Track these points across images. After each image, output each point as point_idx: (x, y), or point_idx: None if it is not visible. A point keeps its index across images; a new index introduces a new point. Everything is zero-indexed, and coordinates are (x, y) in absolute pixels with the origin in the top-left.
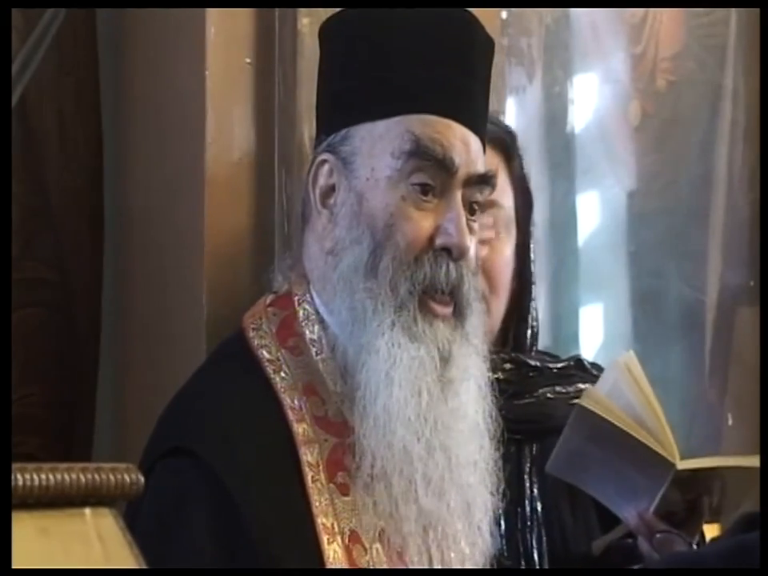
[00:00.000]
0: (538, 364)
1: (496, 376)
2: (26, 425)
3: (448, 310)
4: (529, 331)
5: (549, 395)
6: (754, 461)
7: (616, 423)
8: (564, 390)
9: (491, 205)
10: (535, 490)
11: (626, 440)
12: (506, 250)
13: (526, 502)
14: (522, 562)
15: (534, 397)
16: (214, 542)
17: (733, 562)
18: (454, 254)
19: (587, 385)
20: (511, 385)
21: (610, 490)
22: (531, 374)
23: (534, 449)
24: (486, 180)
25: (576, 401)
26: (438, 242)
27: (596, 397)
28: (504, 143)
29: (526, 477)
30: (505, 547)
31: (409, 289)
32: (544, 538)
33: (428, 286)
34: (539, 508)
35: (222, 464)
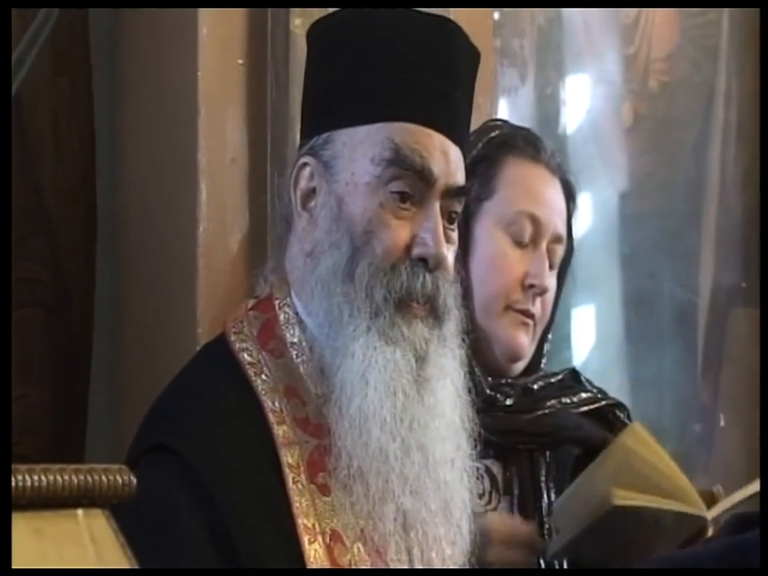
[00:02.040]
0: (542, 384)
1: (507, 402)
2: (21, 425)
3: (426, 309)
4: (543, 360)
5: (557, 406)
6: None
7: (646, 505)
8: (570, 401)
9: (561, 241)
10: (552, 496)
11: (656, 517)
12: (554, 283)
13: (543, 507)
14: (542, 565)
15: (542, 409)
16: (193, 538)
17: (727, 562)
18: (430, 264)
19: (589, 394)
20: (521, 405)
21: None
22: (536, 392)
23: (548, 456)
24: (465, 192)
25: (583, 408)
26: (415, 252)
27: (622, 493)
28: (568, 185)
29: (542, 484)
30: None
31: (384, 295)
32: None
33: (404, 295)
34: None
35: (202, 463)
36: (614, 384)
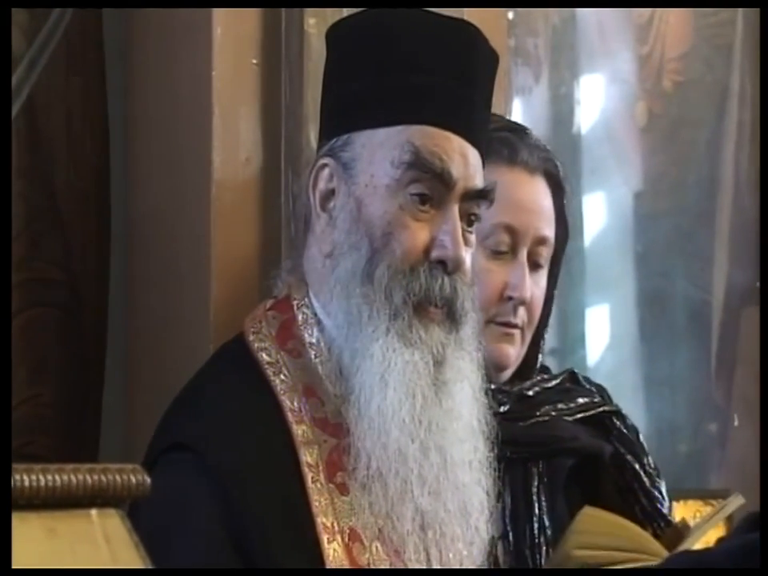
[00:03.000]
0: (538, 389)
1: (502, 410)
2: (34, 425)
3: (443, 313)
4: (540, 356)
5: (552, 413)
6: (724, 511)
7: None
8: (565, 407)
9: (544, 242)
10: (543, 507)
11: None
12: (544, 282)
13: (534, 519)
14: None
15: (537, 416)
16: (210, 536)
17: (741, 561)
18: (449, 266)
19: (586, 399)
20: (516, 413)
21: None
22: (532, 398)
23: (541, 466)
24: (483, 195)
25: (579, 415)
26: (434, 254)
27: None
28: (553, 175)
29: (534, 495)
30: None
31: (403, 297)
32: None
33: (422, 297)
34: (547, 525)
35: (220, 462)
36: (627, 384)
